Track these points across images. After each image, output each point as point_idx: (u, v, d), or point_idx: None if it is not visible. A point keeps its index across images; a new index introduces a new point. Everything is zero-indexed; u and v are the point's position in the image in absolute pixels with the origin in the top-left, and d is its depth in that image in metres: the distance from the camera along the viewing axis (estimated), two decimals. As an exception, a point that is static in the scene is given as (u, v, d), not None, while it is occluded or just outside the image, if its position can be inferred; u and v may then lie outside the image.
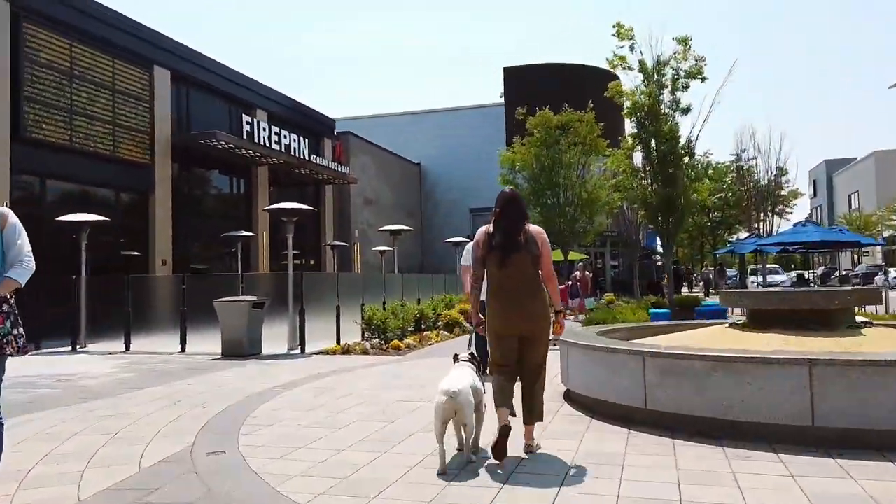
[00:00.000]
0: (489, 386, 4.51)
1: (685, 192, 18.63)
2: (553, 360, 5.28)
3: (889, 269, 45.74)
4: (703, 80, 18.26)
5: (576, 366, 6.18)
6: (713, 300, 22.47)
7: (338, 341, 12.14)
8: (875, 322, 6.44)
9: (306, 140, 22.46)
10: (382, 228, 17.23)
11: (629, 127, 20.12)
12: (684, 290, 32.94)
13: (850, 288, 9.32)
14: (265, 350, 11.27)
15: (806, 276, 39.59)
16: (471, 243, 5.03)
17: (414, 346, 11.75)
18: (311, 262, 26.04)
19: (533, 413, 4.46)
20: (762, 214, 31.32)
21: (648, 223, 20.61)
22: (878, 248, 62.69)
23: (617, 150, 20.22)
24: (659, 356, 5.21)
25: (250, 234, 18.58)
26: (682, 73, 18.25)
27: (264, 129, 20.02)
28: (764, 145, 31.01)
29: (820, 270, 52.16)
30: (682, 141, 18.34)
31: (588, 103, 24.60)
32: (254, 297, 11.01)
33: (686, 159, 18.72)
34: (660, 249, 46.63)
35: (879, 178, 66.56)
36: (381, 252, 26.85)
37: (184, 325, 11.89)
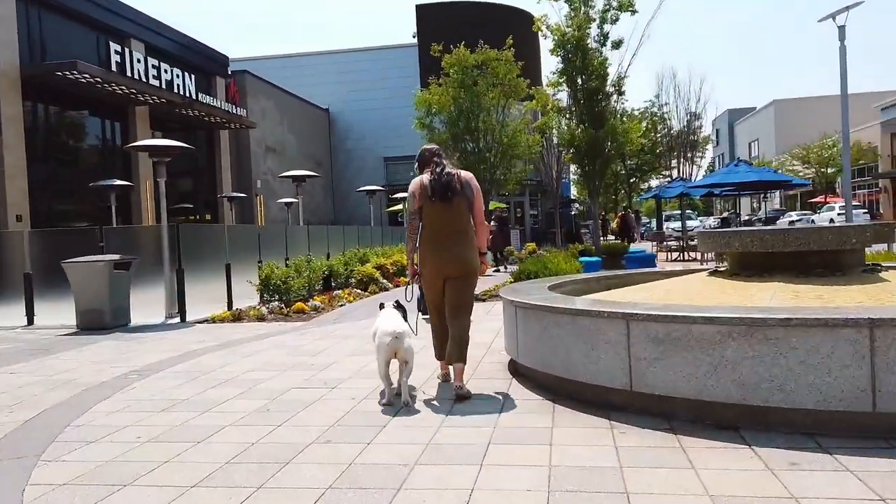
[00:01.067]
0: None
1: (613, 133, 17.52)
2: (484, 317, 4.60)
3: (791, 213, 47.75)
4: (633, 12, 16.99)
5: (528, 332, 4.68)
6: (637, 247, 21.88)
7: (229, 307, 10.22)
8: (884, 264, 5.29)
9: (192, 77, 19.62)
10: (284, 175, 15.08)
11: (553, 66, 18.73)
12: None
13: (864, 223, 8.24)
14: (136, 320, 9.20)
15: (728, 219, 40.31)
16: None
17: (322, 307, 10.00)
18: (207, 217, 23.44)
19: (460, 357, 4.49)
20: (676, 161, 31.37)
21: (574, 165, 19.44)
22: (777, 193, 65.56)
23: (539, 88, 18.82)
24: (650, 320, 3.76)
25: (126, 182, 15.84)
26: (612, 5, 16.90)
27: (139, 62, 17.12)
28: (683, 89, 30.52)
29: (724, 215, 53.66)
30: (612, 77, 17.12)
31: (507, 41, 22.91)
32: (115, 257, 8.86)
33: (614, 98, 17.54)
34: (573, 197, 46.47)
35: (779, 127, 69.37)
36: (287, 204, 24.61)
37: (29, 293, 9.58)
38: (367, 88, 35.41)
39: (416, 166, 4.74)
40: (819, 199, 49.29)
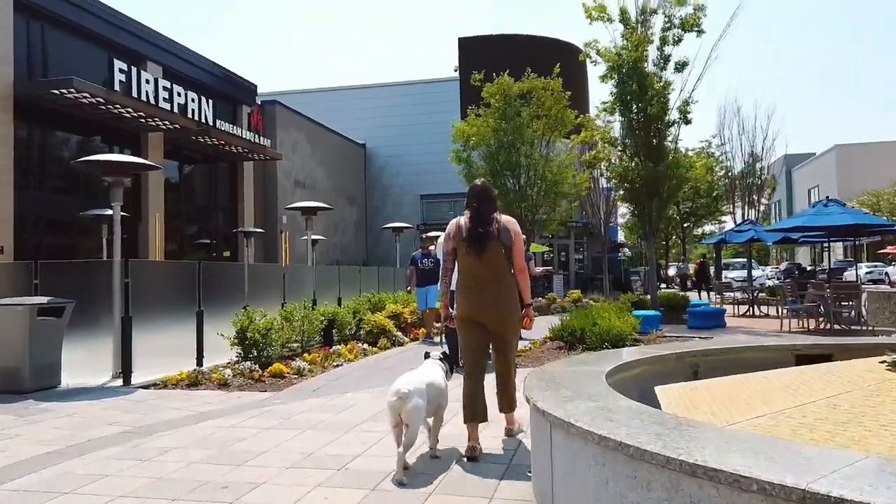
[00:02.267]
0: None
1: (675, 168, 15.23)
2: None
3: (860, 264, 43.74)
4: (699, 32, 14.84)
5: (576, 482, 2.46)
6: (697, 299, 19.23)
7: (199, 363, 8.22)
8: None
9: (210, 102, 18.21)
10: (292, 206, 13.24)
11: (602, 97, 16.66)
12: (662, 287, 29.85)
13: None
14: (73, 380, 7.26)
15: (790, 270, 37.04)
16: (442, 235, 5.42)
17: (308, 370, 7.89)
18: (226, 255, 21.86)
19: (508, 404, 4.42)
20: (736, 204, 28.65)
21: (627, 204, 17.14)
22: (839, 244, 61.46)
23: (588, 116, 16.73)
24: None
25: (122, 213, 14.06)
26: (674, 23, 14.80)
27: (147, 82, 15.73)
28: (748, 124, 27.88)
29: (783, 266, 49.83)
30: (674, 102, 14.91)
31: (554, 70, 21.01)
32: (43, 300, 6.97)
33: (677, 126, 15.27)
34: (620, 241, 43.67)
35: (841, 173, 65.77)
36: (313, 242, 22.91)
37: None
38: (405, 124, 33.94)
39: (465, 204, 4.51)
40: (890, 250, 45.33)
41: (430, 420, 4.12)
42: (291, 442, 4.62)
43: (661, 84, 14.75)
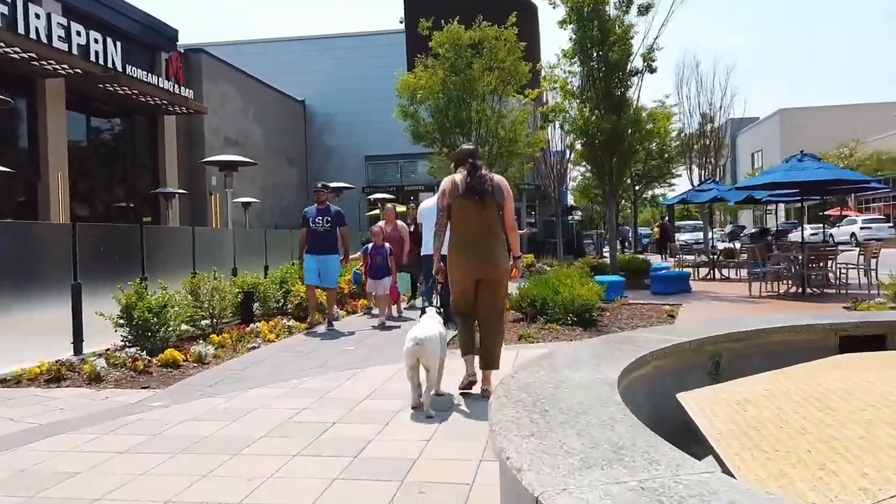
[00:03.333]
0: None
1: (637, 122, 14.10)
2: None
3: (805, 226, 44.20)
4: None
5: None
6: (658, 262, 18.33)
7: (76, 350, 6.61)
8: None
9: (119, 45, 15.93)
10: (208, 160, 11.47)
11: (560, 48, 15.21)
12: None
13: None
14: None
15: (735, 232, 36.94)
16: (428, 200, 7.33)
17: (213, 356, 6.38)
18: (148, 219, 19.77)
19: (490, 362, 4.56)
20: (688, 166, 27.87)
21: (585, 162, 15.98)
22: (781, 206, 62.85)
23: (544, 64, 15.30)
24: None
25: (5, 169, 12.02)
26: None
27: (38, 17, 13.45)
28: (707, 82, 26.87)
29: (728, 228, 50.15)
30: (637, 48, 13.66)
31: (509, 19, 19.42)
32: None
33: (637, 78, 14.06)
34: (571, 204, 42.76)
35: (784, 137, 66.74)
36: (245, 205, 21.02)
37: None
38: (347, 78, 31.82)
39: (451, 165, 4.95)
40: (833, 211, 46.03)
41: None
42: (147, 479, 3.16)
43: (623, 28, 13.47)
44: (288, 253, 12.16)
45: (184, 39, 22.28)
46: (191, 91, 18.92)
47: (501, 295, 4.62)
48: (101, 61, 15.21)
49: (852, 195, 44.44)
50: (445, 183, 4.59)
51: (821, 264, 11.81)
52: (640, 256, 16.70)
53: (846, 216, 42.75)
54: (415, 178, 31.27)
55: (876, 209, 47.02)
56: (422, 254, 8.33)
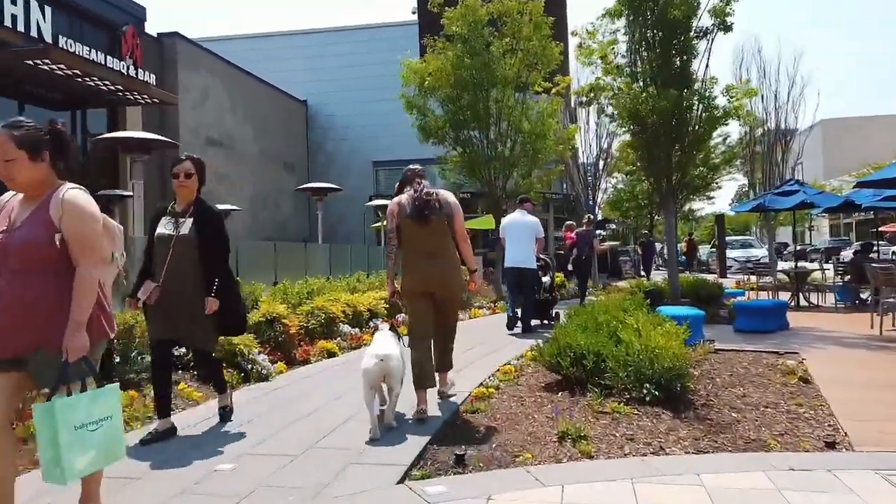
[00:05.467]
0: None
1: (706, 98, 10.73)
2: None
3: (856, 244, 39.76)
4: None
5: None
6: (730, 286, 14.64)
7: None
8: None
9: (49, 11, 12.84)
10: (101, 136, 8.26)
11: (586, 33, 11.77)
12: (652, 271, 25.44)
13: None
14: None
15: (779, 249, 32.86)
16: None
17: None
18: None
19: (445, 365, 4.84)
20: (752, 168, 24.26)
21: (635, 154, 12.56)
22: (826, 221, 58.11)
23: (580, 30, 11.82)
24: None
25: None
26: None
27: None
28: (771, 68, 22.97)
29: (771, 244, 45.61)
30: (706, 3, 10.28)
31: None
32: None
33: (706, 41, 10.67)
34: (600, 217, 38.94)
35: (827, 149, 62.92)
36: (225, 212, 17.82)
37: None
38: (354, 77, 28.72)
39: (395, 186, 4.84)
40: (888, 227, 41.61)
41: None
42: None
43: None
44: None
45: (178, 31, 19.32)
46: (153, 76, 15.78)
47: (455, 311, 4.92)
48: (23, 30, 12.12)
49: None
50: (392, 204, 4.68)
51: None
52: (707, 278, 13.10)
53: (905, 232, 38.45)
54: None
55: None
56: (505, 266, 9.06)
